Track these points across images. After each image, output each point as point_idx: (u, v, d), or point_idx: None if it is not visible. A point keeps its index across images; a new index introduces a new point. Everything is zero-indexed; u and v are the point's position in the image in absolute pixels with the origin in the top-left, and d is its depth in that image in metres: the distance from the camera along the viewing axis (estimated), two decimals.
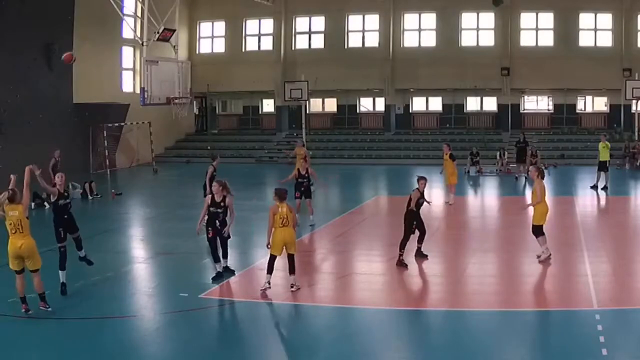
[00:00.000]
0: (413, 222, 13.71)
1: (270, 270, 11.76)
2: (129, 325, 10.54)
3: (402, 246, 13.59)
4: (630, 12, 33.93)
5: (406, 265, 13.46)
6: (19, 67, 26.91)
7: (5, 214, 10.52)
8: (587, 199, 22.87)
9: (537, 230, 13.67)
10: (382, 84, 37.31)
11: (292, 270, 11.82)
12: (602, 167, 23.58)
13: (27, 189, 10.80)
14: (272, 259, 11.72)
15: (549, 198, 23.00)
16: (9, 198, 10.54)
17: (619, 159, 30.41)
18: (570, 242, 15.43)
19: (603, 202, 22.51)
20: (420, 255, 14.05)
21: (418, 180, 13.94)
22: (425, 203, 14.07)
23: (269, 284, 11.81)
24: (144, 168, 33.74)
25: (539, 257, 13.68)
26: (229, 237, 12.73)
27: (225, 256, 12.87)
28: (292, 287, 11.83)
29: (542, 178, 13.89)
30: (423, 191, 13.90)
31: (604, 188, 23.42)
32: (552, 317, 10.54)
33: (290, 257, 11.77)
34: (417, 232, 13.91)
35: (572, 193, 24.52)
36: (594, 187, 23.68)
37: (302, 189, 17.74)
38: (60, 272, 11.84)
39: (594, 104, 36.89)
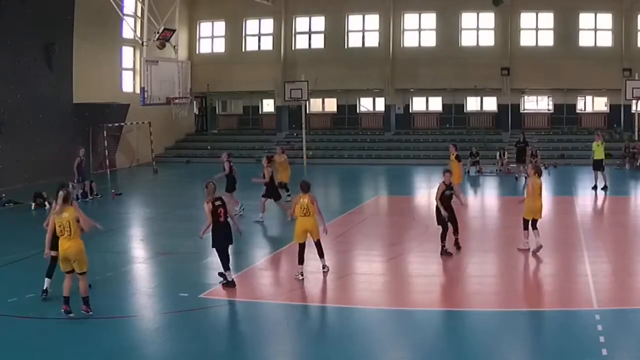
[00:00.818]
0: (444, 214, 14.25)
1: (300, 260, 12.51)
2: (129, 325, 10.54)
3: (442, 238, 14.24)
4: (630, 12, 33.91)
5: (450, 254, 14.17)
6: (19, 67, 26.91)
7: (57, 214, 10.42)
8: (587, 199, 22.86)
9: (526, 224, 14.20)
10: (382, 84, 37.30)
11: (321, 255, 12.74)
12: (598, 166, 23.65)
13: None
14: (300, 248, 12.52)
15: (549, 198, 23.12)
16: (63, 198, 10.46)
17: (619, 159, 30.42)
18: (570, 242, 15.43)
19: (603, 202, 22.49)
20: (457, 246, 14.59)
21: (443, 173, 14.61)
22: (455, 198, 14.76)
23: (302, 274, 12.48)
24: (144, 168, 33.75)
25: (530, 249, 14.19)
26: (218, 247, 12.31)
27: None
28: (323, 268, 12.76)
29: (539, 176, 14.37)
30: (449, 183, 14.46)
31: (604, 188, 23.38)
32: (552, 317, 10.54)
33: (317, 243, 12.68)
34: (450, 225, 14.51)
35: (572, 193, 24.52)
36: (595, 187, 23.65)
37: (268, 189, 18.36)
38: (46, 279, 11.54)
39: (594, 104, 36.86)
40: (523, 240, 14.37)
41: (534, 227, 14.05)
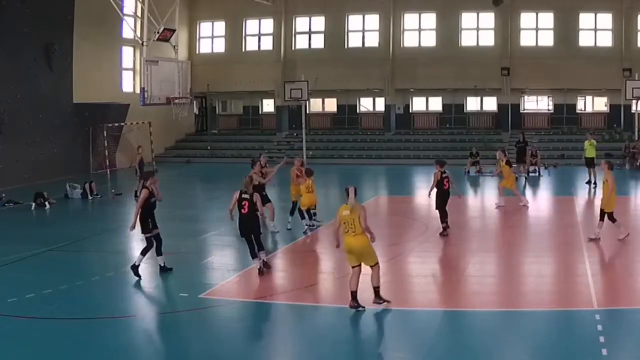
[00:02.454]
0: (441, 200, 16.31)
1: (302, 217, 17.08)
2: (129, 325, 10.53)
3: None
4: (630, 12, 33.91)
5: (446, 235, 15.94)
6: (19, 67, 26.94)
7: (339, 213, 11.10)
8: (587, 199, 22.86)
9: (612, 217, 15.07)
10: (382, 84, 37.29)
11: (311, 216, 17.04)
12: (589, 163, 24.48)
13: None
14: (307, 211, 16.98)
15: (551, 198, 23.19)
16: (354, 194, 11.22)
17: (619, 159, 30.42)
18: (570, 241, 15.43)
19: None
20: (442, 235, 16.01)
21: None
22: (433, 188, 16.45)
23: (308, 226, 16.95)
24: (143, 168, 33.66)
25: (591, 238, 15.08)
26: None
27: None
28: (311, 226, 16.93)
29: (612, 170, 15.34)
30: (440, 172, 16.54)
31: (588, 182, 24.05)
32: (552, 317, 10.53)
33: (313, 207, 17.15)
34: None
35: (572, 193, 24.50)
36: (589, 182, 24.21)
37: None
38: (158, 257, 13.03)
39: (594, 104, 36.85)
40: (621, 229, 15.14)
41: (602, 218, 15.13)
